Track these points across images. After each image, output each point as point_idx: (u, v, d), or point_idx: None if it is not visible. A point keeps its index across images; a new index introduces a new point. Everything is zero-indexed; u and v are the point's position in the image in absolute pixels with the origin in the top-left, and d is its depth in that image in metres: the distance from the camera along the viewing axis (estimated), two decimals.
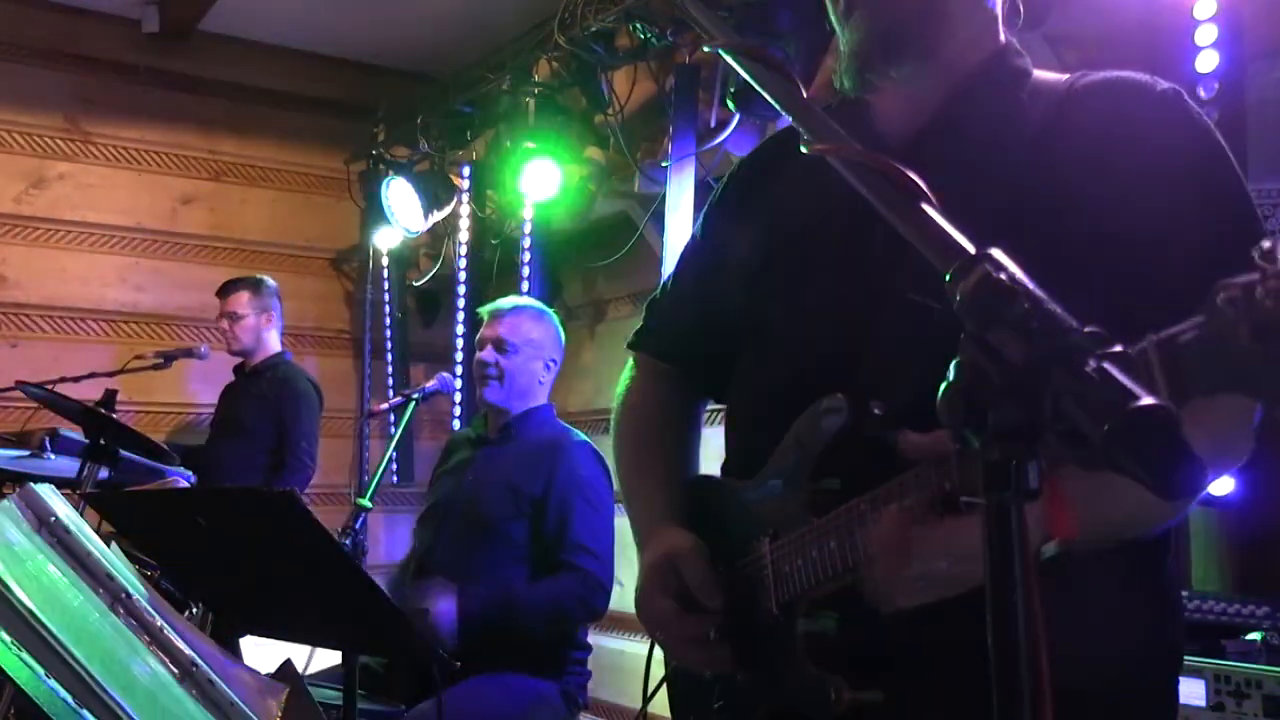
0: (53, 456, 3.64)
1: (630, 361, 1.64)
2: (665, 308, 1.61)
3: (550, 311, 3.31)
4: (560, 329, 3.25)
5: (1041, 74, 1.30)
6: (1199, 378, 0.63)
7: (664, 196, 3.76)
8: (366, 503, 2.85)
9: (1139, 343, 0.65)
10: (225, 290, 4.64)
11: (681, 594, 1.30)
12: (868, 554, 1.07)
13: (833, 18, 1.31)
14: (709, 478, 1.46)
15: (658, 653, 1.42)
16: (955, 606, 1.02)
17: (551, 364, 3.14)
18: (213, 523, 1.80)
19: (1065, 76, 1.28)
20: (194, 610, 3.12)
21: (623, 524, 2.94)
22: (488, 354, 3.06)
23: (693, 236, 1.60)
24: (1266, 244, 0.62)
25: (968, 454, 0.66)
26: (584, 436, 3.14)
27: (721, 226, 1.52)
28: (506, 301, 3.26)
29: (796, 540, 1.19)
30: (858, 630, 1.08)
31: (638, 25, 3.68)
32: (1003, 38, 1.31)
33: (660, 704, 1.45)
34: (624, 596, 3.04)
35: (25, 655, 1.03)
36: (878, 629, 1.08)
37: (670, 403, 1.57)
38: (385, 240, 5.35)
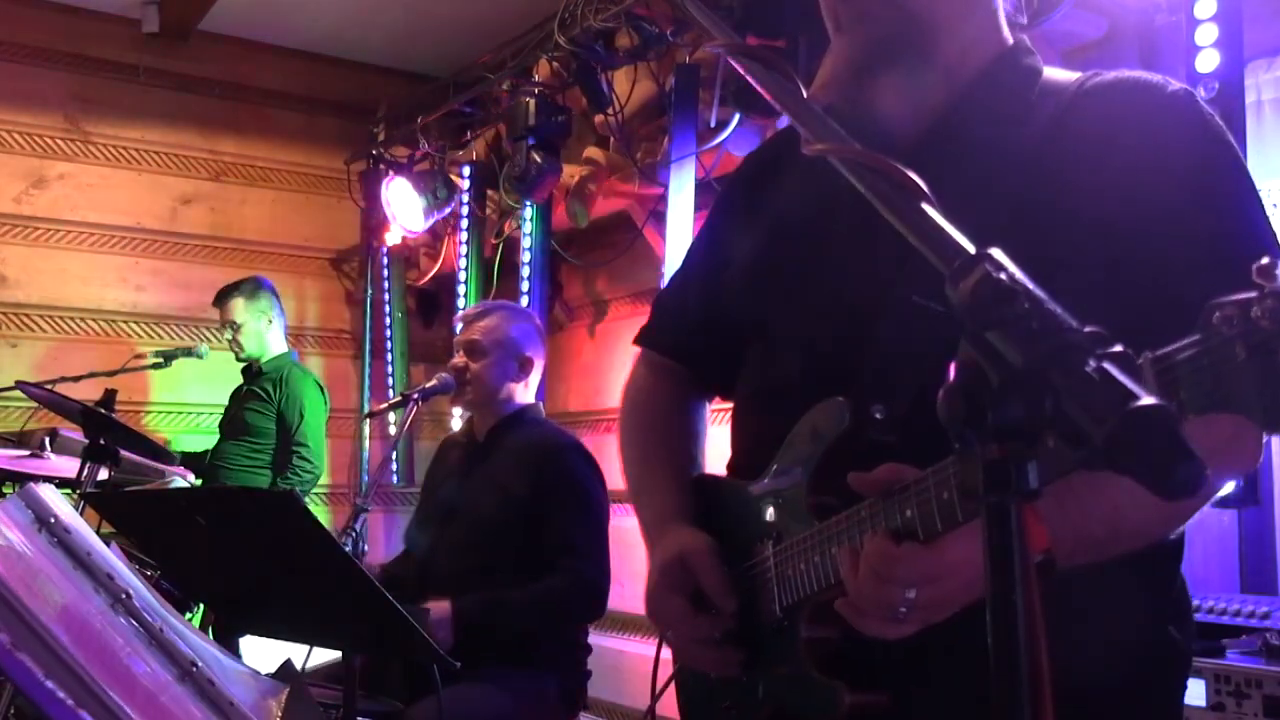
0: (53, 456, 3.64)
1: (638, 356, 1.64)
2: (670, 304, 1.61)
3: (524, 311, 3.29)
4: (537, 327, 3.23)
5: (1053, 73, 1.29)
6: (1194, 396, 0.63)
7: (664, 196, 3.76)
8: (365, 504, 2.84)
9: (1135, 360, 0.65)
10: (221, 300, 4.60)
11: (694, 593, 1.30)
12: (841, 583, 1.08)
13: (829, 27, 1.30)
14: (712, 477, 1.46)
15: (664, 653, 1.42)
16: (959, 611, 1.03)
17: (527, 363, 3.11)
18: (213, 523, 1.80)
19: (1076, 75, 1.27)
20: (194, 610, 3.12)
21: (619, 525, 2.96)
22: (458, 360, 3.06)
23: (699, 232, 1.59)
24: (1265, 260, 0.62)
25: (966, 457, 0.66)
26: (572, 436, 3.13)
27: (727, 223, 1.52)
28: (477, 305, 3.25)
29: (800, 544, 1.19)
30: (862, 635, 1.08)
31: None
32: (1010, 38, 1.30)
33: (662, 705, 1.45)
34: (624, 596, 3.06)
35: (25, 655, 1.03)
36: None
37: (675, 399, 1.56)
38: (385, 240, 5.35)
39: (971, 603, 1.02)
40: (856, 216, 1.17)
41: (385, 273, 5.56)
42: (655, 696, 1.43)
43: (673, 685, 1.45)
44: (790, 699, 1.22)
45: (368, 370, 5.67)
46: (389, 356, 5.59)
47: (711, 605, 1.29)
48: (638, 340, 1.62)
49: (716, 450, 1.50)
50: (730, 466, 1.43)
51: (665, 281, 3.61)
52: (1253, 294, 0.61)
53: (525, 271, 4.56)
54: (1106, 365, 0.60)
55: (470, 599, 2.77)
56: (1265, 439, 1.16)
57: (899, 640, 1.05)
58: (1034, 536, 0.85)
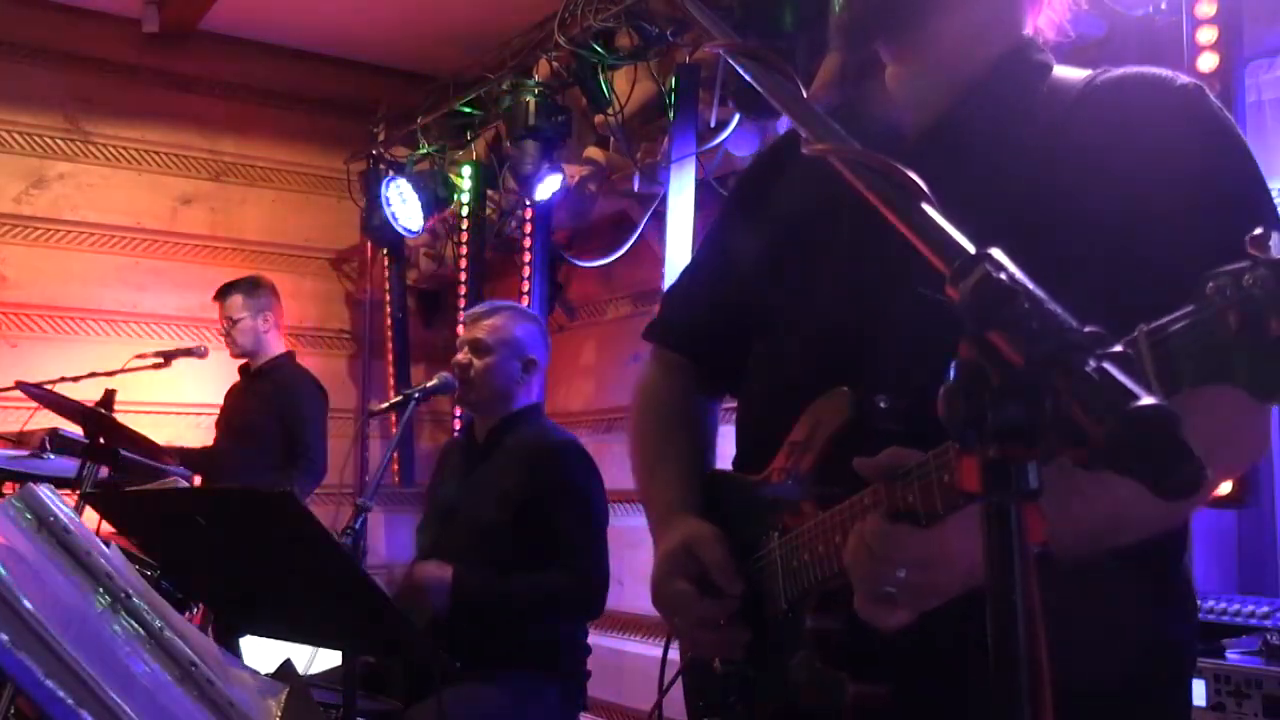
0: (53, 456, 3.64)
1: (649, 355, 1.65)
2: (678, 299, 1.62)
3: (530, 312, 3.30)
4: (542, 328, 3.24)
5: (1063, 70, 1.28)
6: (1188, 367, 0.63)
7: (664, 196, 3.76)
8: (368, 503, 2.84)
9: (1131, 334, 0.65)
10: (221, 295, 4.64)
11: (699, 578, 1.30)
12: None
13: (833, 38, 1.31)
14: (722, 472, 1.47)
15: (672, 653, 1.42)
16: (960, 604, 1.03)
17: (531, 364, 3.11)
18: (213, 523, 1.80)
19: (1086, 72, 1.26)
20: (194, 610, 3.12)
21: (619, 525, 2.96)
22: (463, 357, 3.06)
23: (709, 229, 1.61)
24: (1257, 231, 0.62)
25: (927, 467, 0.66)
26: (569, 435, 3.13)
27: (736, 220, 1.54)
28: (483, 304, 3.25)
29: (803, 535, 1.20)
30: (865, 626, 1.08)
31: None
32: (1028, 30, 1.30)
33: (666, 705, 1.45)
34: (624, 596, 3.06)
35: (25, 655, 1.03)
36: None
37: (685, 396, 1.56)
38: (385, 240, 5.35)
39: (967, 593, 1.01)
40: (861, 211, 1.17)
41: (385, 273, 5.56)
42: (662, 693, 1.43)
43: (678, 684, 1.46)
44: (794, 692, 1.22)
45: (368, 370, 5.67)
46: (389, 356, 5.59)
47: (717, 588, 1.29)
48: (646, 333, 1.63)
49: (722, 448, 1.50)
50: (736, 461, 1.44)
51: (666, 282, 3.61)
52: (1245, 264, 0.61)
53: (525, 271, 4.56)
54: (1106, 365, 0.60)
55: (472, 575, 2.77)
56: (1271, 430, 1.15)
57: (901, 632, 1.05)
58: (1031, 531, 0.85)
